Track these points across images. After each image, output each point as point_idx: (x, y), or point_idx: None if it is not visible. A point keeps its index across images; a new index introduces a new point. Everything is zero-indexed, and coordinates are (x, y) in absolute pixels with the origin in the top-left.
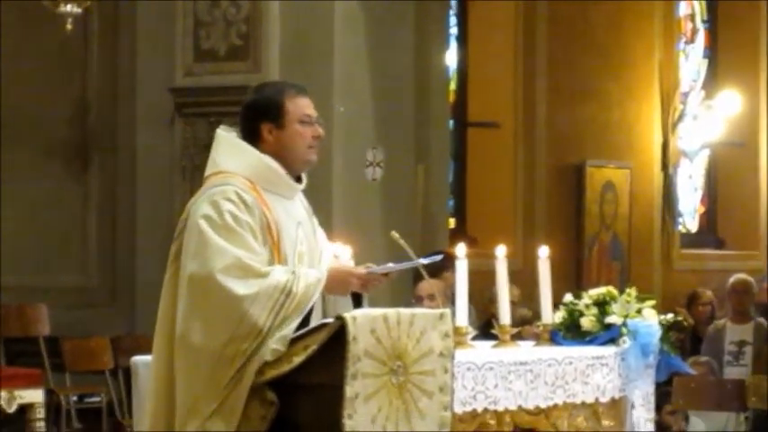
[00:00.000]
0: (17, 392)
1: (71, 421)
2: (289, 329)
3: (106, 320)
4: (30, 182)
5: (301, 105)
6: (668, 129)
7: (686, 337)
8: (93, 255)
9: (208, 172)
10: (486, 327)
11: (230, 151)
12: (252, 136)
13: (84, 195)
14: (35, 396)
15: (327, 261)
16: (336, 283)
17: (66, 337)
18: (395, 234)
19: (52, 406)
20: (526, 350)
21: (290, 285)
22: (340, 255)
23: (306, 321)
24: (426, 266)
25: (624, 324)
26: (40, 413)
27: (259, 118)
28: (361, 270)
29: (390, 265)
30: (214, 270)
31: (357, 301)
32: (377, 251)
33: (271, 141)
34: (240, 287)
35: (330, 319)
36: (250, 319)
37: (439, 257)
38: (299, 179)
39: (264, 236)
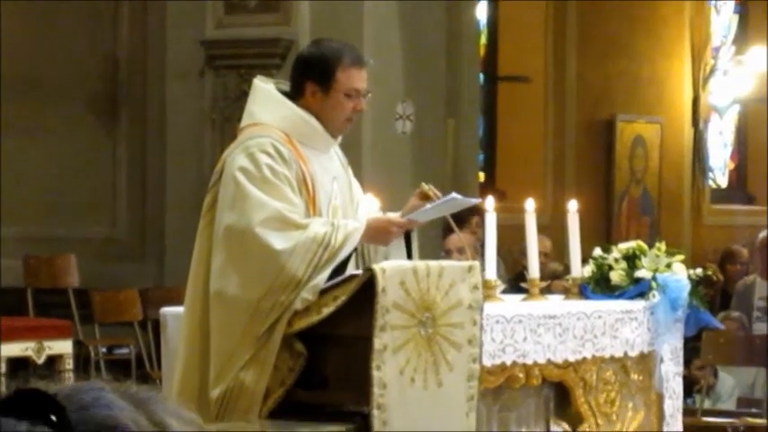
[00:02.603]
0: (46, 343)
1: (100, 373)
2: (320, 278)
3: (135, 272)
4: (60, 134)
5: (352, 78)
6: (699, 84)
7: (716, 294)
8: (123, 207)
9: (244, 123)
10: (516, 279)
11: (267, 103)
12: (296, 89)
13: (113, 147)
14: (64, 347)
15: (364, 211)
16: (376, 233)
17: (96, 289)
18: (426, 185)
19: (81, 357)
20: (555, 304)
21: (329, 237)
22: (369, 207)
23: (342, 272)
24: (455, 214)
25: (653, 278)
26: (69, 364)
27: (307, 75)
28: (401, 219)
29: (428, 206)
30: (253, 223)
31: (408, 244)
32: (406, 204)
33: (311, 101)
34: (279, 240)
35: (359, 271)
36: (288, 272)
37: (476, 200)
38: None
39: (300, 189)
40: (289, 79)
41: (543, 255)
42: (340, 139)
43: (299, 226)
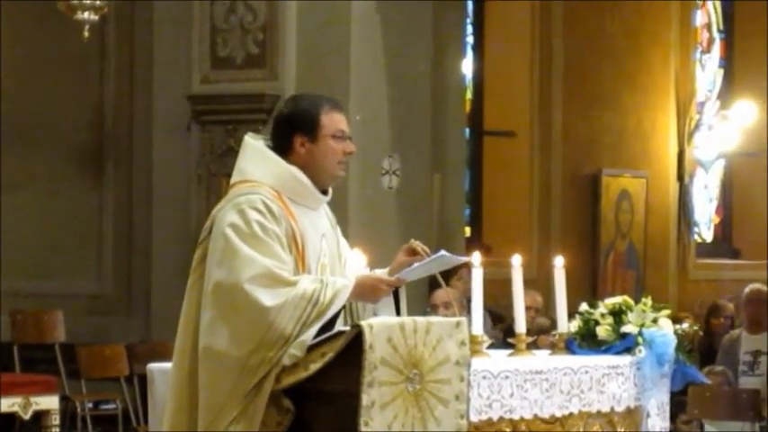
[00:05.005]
0: (33, 399)
1: (86, 428)
2: (308, 335)
3: (122, 327)
4: (46, 188)
5: (336, 120)
6: (684, 138)
7: (696, 345)
8: (109, 261)
9: (234, 180)
10: (504, 333)
11: (257, 160)
12: (284, 146)
13: (99, 202)
14: (50, 403)
15: (352, 269)
16: (365, 290)
17: (82, 344)
18: (414, 241)
19: (67, 413)
20: (542, 359)
21: (318, 294)
22: (357, 263)
23: (331, 328)
24: (443, 270)
25: (640, 333)
26: (56, 420)
27: (293, 130)
28: (390, 277)
29: (416, 265)
30: (241, 279)
31: (396, 300)
32: (393, 260)
33: (302, 154)
34: (267, 297)
35: (347, 327)
36: (277, 329)
37: (465, 259)
38: (324, 191)
39: (290, 246)
40: (272, 139)
41: (534, 310)
42: (329, 196)
43: (289, 283)
